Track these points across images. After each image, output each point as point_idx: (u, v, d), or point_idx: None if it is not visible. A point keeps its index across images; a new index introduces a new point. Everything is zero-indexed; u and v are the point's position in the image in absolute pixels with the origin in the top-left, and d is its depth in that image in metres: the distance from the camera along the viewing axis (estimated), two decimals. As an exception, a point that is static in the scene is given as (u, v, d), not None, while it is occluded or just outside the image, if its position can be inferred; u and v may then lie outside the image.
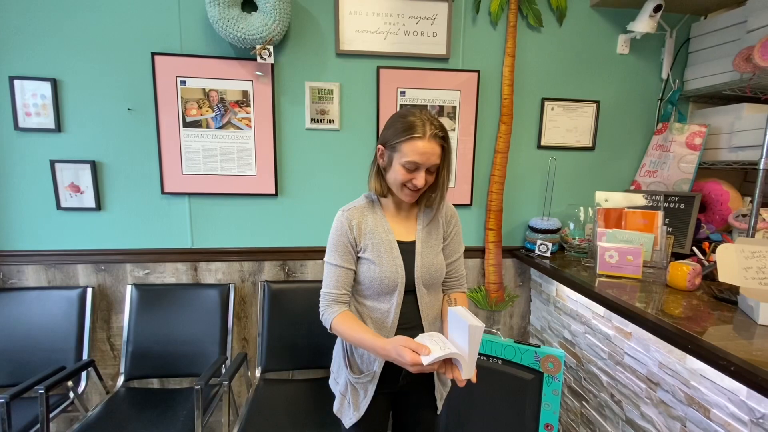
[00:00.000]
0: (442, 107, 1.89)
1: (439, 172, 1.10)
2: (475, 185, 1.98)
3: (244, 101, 1.79)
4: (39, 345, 1.73)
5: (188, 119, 1.77)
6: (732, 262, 1.29)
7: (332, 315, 1.08)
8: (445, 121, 1.87)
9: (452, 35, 1.84)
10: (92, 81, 1.71)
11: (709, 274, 1.51)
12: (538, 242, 1.88)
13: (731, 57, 1.67)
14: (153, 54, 1.71)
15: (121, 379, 1.77)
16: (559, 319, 1.88)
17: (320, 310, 1.12)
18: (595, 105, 1.98)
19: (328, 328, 1.10)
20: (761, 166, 1.51)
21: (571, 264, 1.78)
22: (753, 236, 1.55)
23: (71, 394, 1.67)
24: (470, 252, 2.01)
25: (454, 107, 1.90)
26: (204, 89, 1.76)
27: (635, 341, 1.42)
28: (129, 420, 1.55)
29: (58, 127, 1.72)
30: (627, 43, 1.95)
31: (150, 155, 1.79)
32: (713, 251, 1.53)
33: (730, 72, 1.71)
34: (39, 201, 1.77)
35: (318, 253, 1.94)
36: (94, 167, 1.76)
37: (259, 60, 1.67)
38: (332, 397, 1.23)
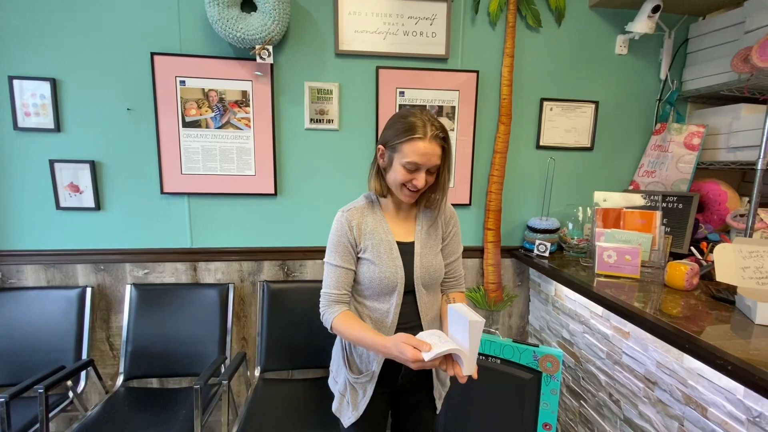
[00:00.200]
0: (441, 107, 1.90)
1: (440, 172, 1.11)
2: (474, 185, 1.99)
3: (243, 101, 1.79)
4: (38, 345, 1.73)
5: (188, 119, 1.77)
6: (730, 261, 1.29)
7: (333, 315, 1.08)
8: (444, 121, 1.87)
9: (451, 35, 1.85)
10: (92, 81, 1.71)
11: (707, 274, 1.51)
12: (537, 242, 1.89)
13: (729, 57, 1.67)
14: (152, 54, 1.71)
15: (120, 379, 1.77)
16: (558, 318, 1.88)
17: (320, 310, 1.12)
18: (593, 105, 1.99)
19: (328, 328, 1.10)
20: (759, 167, 1.52)
21: (570, 264, 1.79)
22: (751, 236, 1.55)
23: (70, 394, 1.67)
24: (469, 252, 2.01)
25: (453, 107, 1.90)
26: (203, 89, 1.76)
27: (633, 341, 1.43)
28: (128, 420, 1.55)
29: (58, 127, 1.72)
30: (625, 43, 1.95)
31: (149, 155, 1.79)
32: (711, 251, 1.54)
33: (729, 72, 1.72)
34: (38, 201, 1.77)
35: (317, 252, 1.95)
36: (94, 167, 1.76)
37: (258, 60, 1.67)
38: (331, 396, 1.23)
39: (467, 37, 1.88)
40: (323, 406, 1.58)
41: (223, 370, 1.72)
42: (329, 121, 1.86)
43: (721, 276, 1.29)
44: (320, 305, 1.12)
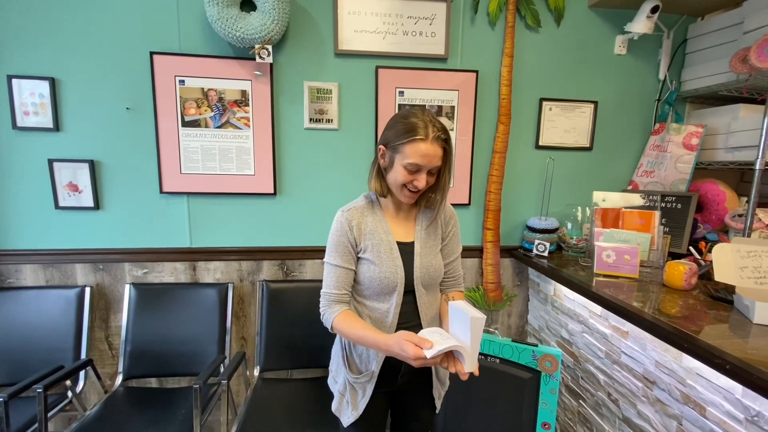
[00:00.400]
0: (440, 107, 1.90)
1: (441, 173, 1.11)
2: (473, 185, 1.99)
3: (242, 101, 1.79)
4: (37, 344, 1.73)
5: (187, 119, 1.77)
6: (728, 261, 1.30)
7: (333, 315, 1.08)
8: (443, 120, 1.87)
9: (451, 35, 1.85)
10: (91, 80, 1.71)
11: (706, 274, 1.52)
12: (536, 242, 1.89)
13: (728, 58, 1.68)
14: (152, 53, 1.71)
15: (119, 379, 1.77)
16: (557, 318, 1.89)
17: (321, 310, 1.12)
18: (592, 105, 1.99)
19: (329, 328, 1.10)
20: (757, 167, 1.53)
21: (569, 263, 1.79)
22: (749, 236, 1.56)
23: (69, 394, 1.67)
24: (468, 252, 2.01)
25: (453, 107, 1.90)
26: (203, 89, 1.76)
27: (632, 340, 1.43)
28: (127, 419, 1.55)
29: (57, 127, 1.72)
30: (624, 43, 1.95)
31: (148, 154, 1.79)
32: (709, 251, 1.54)
33: (727, 73, 1.72)
34: (37, 200, 1.77)
35: (317, 252, 1.95)
36: (93, 166, 1.76)
37: (257, 59, 1.67)
38: (331, 396, 1.23)
39: (467, 37, 1.88)
40: (323, 406, 1.58)
41: (222, 369, 1.72)
42: (329, 121, 1.86)
43: (719, 276, 1.30)
44: (320, 305, 1.12)
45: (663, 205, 1.84)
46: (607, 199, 1.87)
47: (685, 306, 1.30)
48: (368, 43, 1.81)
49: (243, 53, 1.74)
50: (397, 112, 1.86)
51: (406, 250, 1.14)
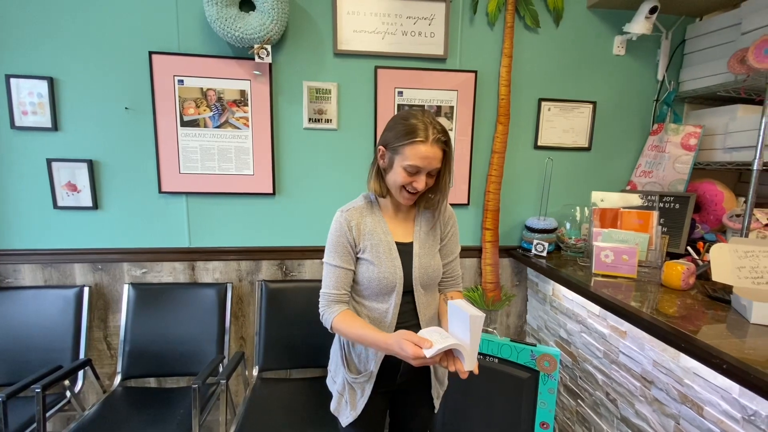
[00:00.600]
0: (439, 107, 1.90)
1: (440, 175, 1.11)
2: (472, 185, 1.99)
3: (241, 100, 1.79)
4: (35, 344, 1.73)
5: (186, 118, 1.77)
6: (726, 261, 1.30)
7: (332, 314, 1.08)
8: (442, 121, 1.88)
9: (450, 36, 1.85)
10: (89, 80, 1.71)
11: (703, 274, 1.52)
12: (535, 242, 1.89)
13: (726, 59, 1.68)
14: (150, 53, 1.71)
15: (118, 379, 1.77)
16: (555, 318, 1.89)
17: (320, 310, 1.12)
18: (591, 106, 1.99)
19: (328, 328, 1.10)
20: (755, 167, 1.53)
21: (567, 263, 1.79)
22: (747, 236, 1.57)
23: (68, 394, 1.67)
24: (467, 251, 2.02)
25: (452, 107, 1.91)
26: (202, 88, 1.76)
27: (630, 340, 1.44)
28: (126, 419, 1.55)
29: (55, 126, 1.71)
30: (623, 44, 1.96)
31: (147, 154, 1.79)
32: (707, 251, 1.55)
33: (725, 73, 1.73)
34: (35, 200, 1.76)
35: (316, 252, 1.95)
36: (91, 166, 1.76)
37: (257, 59, 1.67)
38: (330, 396, 1.23)
39: (466, 37, 1.88)
40: (321, 406, 1.58)
41: (221, 369, 1.72)
42: (328, 121, 1.86)
43: (717, 276, 1.30)
44: (319, 305, 1.12)
45: (661, 205, 1.84)
46: (606, 199, 1.87)
47: (682, 306, 1.30)
48: (367, 43, 1.81)
49: (242, 53, 1.74)
50: (396, 112, 1.87)
51: (405, 250, 1.14)
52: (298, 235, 1.94)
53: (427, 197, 1.16)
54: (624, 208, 1.78)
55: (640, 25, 1.80)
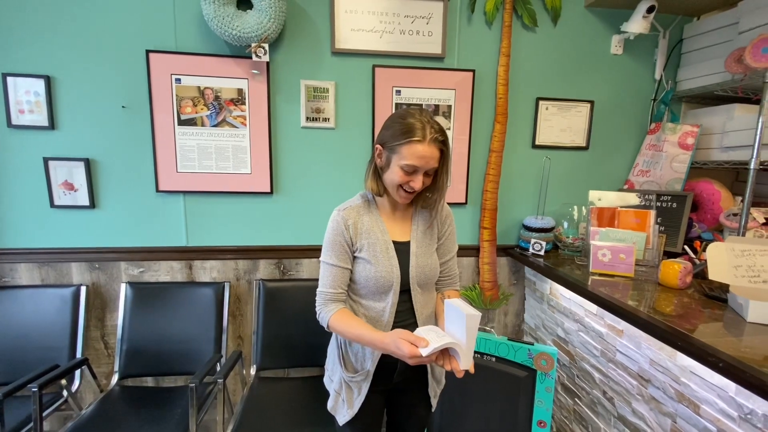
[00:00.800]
0: (437, 106, 1.90)
1: (438, 174, 1.11)
2: (470, 184, 1.99)
3: (239, 99, 1.78)
4: (32, 343, 1.72)
5: (183, 117, 1.77)
6: (722, 260, 1.31)
7: (329, 313, 1.08)
8: (440, 120, 1.87)
9: (447, 34, 1.85)
10: (86, 78, 1.70)
11: (700, 273, 1.52)
12: (533, 241, 1.90)
13: (723, 58, 1.68)
14: (148, 51, 1.70)
15: (115, 378, 1.77)
16: (553, 317, 1.89)
17: (317, 309, 1.12)
18: (589, 105, 2.00)
19: (325, 326, 1.10)
20: (752, 166, 1.54)
21: (565, 262, 1.80)
22: (744, 235, 1.57)
23: (65, 393, 1.66)
24: (465, 250, 2.02)
25: (450, 106, 1.90)
26: (199, 87, 1.75)
27: (627, 339, 1.44)
28: (123, 418, 1.55)
29: (52, 125, 1.71)
30: (621, 43, 1.96)
31: (144, 153, 1.78)
32: (704, 250, 1.55)
33: (722, 73, 1.73)
34: (32, 199, 1.76)
35: (313, 251, 1.95)
36: (88, 165, 1.75)
37: (254, 58, 1.66)
38: (327, 394, 1.23)
39: (463, 36, 1.88)
40: (319, 405, 1.58)
41: (218, 368, 1.71)
42: (325, 120, 1.86)
43: (713, 274, 1.31)
44: (316, 304, 1.12)
45: (658, 204, 1.85)
46: (603, 198, 1.87)
47: (679, 304, 1.30)
48: (365, 41, 1.81)
49: (239, 52, 1.73)
50: (394, 111, 1.86)
51: (402, 249, 1.14)
52: (295, 234, 1.94)
53: (424, 196, 1.16)
54: (621, 207, 1.78)
55: (637, 25, 1.80)
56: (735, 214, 1.67)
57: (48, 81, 1.68)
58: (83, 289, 1.78)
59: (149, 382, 1.94)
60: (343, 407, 1.16)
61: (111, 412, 1.57)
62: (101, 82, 1.71)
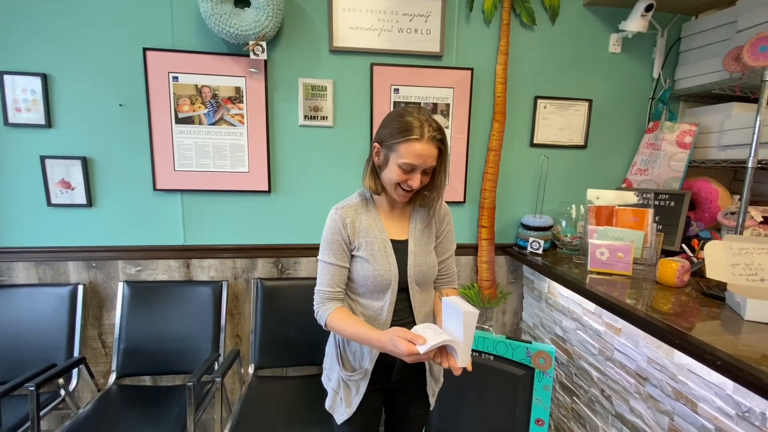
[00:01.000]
0: (435, 105, 1.90)
1: (436, 173, 1.10)
2: (468, 183, 1.99)
3: (237, 97, 1.78)
4: (29, 342, 1.72)
5: (180, 115, 1.76)
6: (720, 259, 1.31)
7: (327, 312, 1.08)
8: (438, 118, 1.87)
9: (446, 33, 1.85)
10: (83, 76, 1.70)
11: (698, 271, 1.53)
12: (531, 239, 1.90)
13: (721, 56, 1.68)
14: (145, 49, 1.69)
15: (112, 377, 1.76)
16: (551, 315, 1.90)
17: (314, 307, 1.12)
18: (587, 103, 2.00)
19: (323, 325, 1.10)
20: (750, 165, 1.54)
21: (563, 261, 1.80)
22: (741, 233, 1.57)
23: (62, 392, 1.66)
24: (463, 249, 2.02)
25: (448, 105, 1.90)
26: (196, 85, 1.75)
27: (625, 337, 1.44)
28: (121, 417, 1.54)
29: (49, 123, 1.70)
30: (619, 42, 1.96)
31: (142, 151, 1.78)
32: (702, 248, 1.55)
33: (720, 71, 1.73)
34: (29, 197, 1.75)
35: (311, 250, 1.94)
36: (85, 163, 1.74)
37: (252, 56, 1.66)
38: (325, 393, 1.23)
39: (462, 35, 1.88)
40: (317, 403, 1.57)
41: (216, 367, 1.71)
42: (323, 118, 1.85)
43: (711, 273, 1.31)
44: (314, 303, 1.12)
45: (656, 202, 1.85)
46: (601, 196, 1.87)
47: (677, 303, 1.31)
48: (363, 40, 1.81)
49: (237, 50, 1.73)
50: (392, 109, 1.86)
51: (400, 248, 1.14)
52: (293, 232, 1.94)
53: (422, 195, 1.16)
54: (619, 205, 1.78)
55: (635, 23, 1.80)
56: (732, 213, 1.67)
57: (45, 79, 1.67)
58: (80, 288, 1.78)
59: (147, 381, 1.94)
60: (341, 406, 1.16)
61: (108, 412, 1.57)
62: (98, 80, 1.71)
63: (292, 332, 1.83)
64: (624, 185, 2.04)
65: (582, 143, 2.03)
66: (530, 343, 1.63)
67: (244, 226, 1.90)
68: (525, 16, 1.87)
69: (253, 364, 1.82)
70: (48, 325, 1.74)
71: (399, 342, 0.92)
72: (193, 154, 1.79)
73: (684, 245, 1.69)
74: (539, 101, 1.97)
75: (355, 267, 1.12)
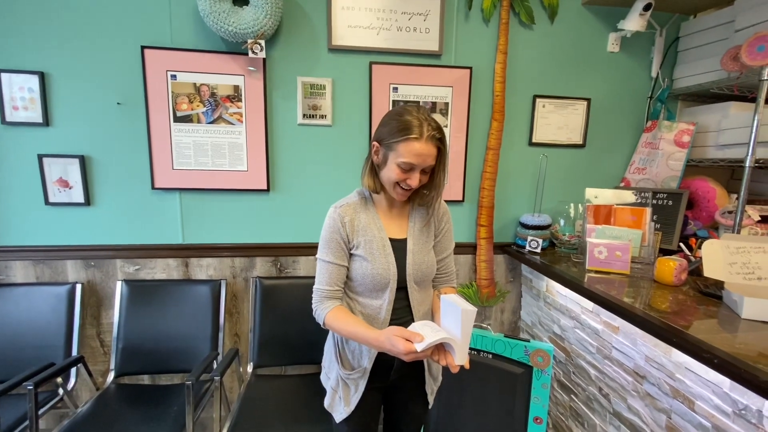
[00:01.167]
0: (434, 103, 1.90)
1: (435, 172, 1.10)
2: (467, 181, 1.99)
3: (235, 96, 1.77)
4: (27, 341, 1.71)
5: (179, 114, 1.76)
6: (717, 257, 1.31)
7: (325, 311, 1.08)
8: (437, 117, 1.87)
9: (445, 31, 1.85)
10: (81, 74, 1.69)
11: (696, 270, 1.53)
12: (529, 238, 1.90)
13: (719, 56, 1.69)
14: (143, 47, 1.69)
15: (111, 376, 1.76)
16: (549, 314, 1.90)
17: (313, 306, 1.12)
18: (585, 102, 2.00)
19: (321, 323, 1.10)
20: (747, 164, 1.54)
21: (561, 260, 1.80)
22: (738, 232, 1.58)
23: (60, 391, 1.66)
24: (462, 248, 2.02)
25: (447, 104, 1.90)
26: (195, 84, 1.74)
27: (623, 335, 1.45)
28: (119, 416, 1.54)
29: (46, 121, 1.70)
30: (617, 41, 1.96)
31: (140, 150, 1.77)
32: (700, 247, 1.56)
33: (718, 71, 1.73)
34: (27, 196, 1.75)
35: (310, 249, 1.94)
36: (83, 162, 1.74)
37: (250, 54, 1.65)
38: (324, 392, 1.23)
39: (461, 34, 1.88)
40: (316, 402, 1.57)
41: (215, 366, 1.71)
42: (322, 117, 1.85)
43: (708, 271, 1.31)
44: (313, 301, 1.12)
45: (654, 201, 1.85)
46: (600, 195, 1.88)
47: (675, 301, 1.31)
48: (362, 38, 1.80)
49: (236, 48, 1.72)
50: (391, 108, 1.86)
51: (399, 246, 1.14)
52: (292, 231, 1.94)
53: (421, 194, 1.16)
54: (617, 204, 1.79)
55: (634, 22, 1.80)
56: (730, 212, 1.68)
57: (42, 77, 1.66)
58: (78, 287, 1.77)
59: (145, 380, 1.94)
60: (340, 404, 1.16)
61: (107, 410, 1.57)
62: (96, 79, 1.70)
63: (290, 331, 1.84)
64: (622, 184, 2.05)
65: (580, 142, 2.04)
66: (528, 341, 1.64)
67: (243, 224, 1.90)
68: (524, 15, 1.87)
69: (251, 363, 1.82)
70: (46, 324, 1.73)
71: (396, 341, 0.92)
72: (191, 152, 1.79)
73: (682, 244, 1.69)
74: (538, 100, 1.97)
75: (354, 266, 1.12)
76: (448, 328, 0.96)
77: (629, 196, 1.87)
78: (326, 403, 1.21)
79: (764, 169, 1.71)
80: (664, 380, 1.27)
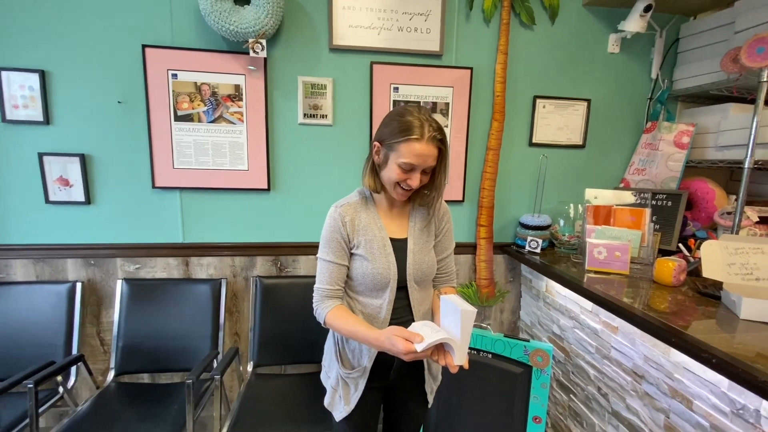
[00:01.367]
0: (435, 104, 1.90)
1: (436, 173, 1.11)
2: (467, 182, 2.00)
3: (236, 95, 1.78)
4: (27, 340, 1.71)
5: (179, 113, 1.76)
6: (716, 258, 1.32)
7: (326, 310, 1.09)
8: (438, 117, 1.87)
9: (445, 32, 1.85)
10: (81, 73, 1.69)
11: (694, 270, 1.54)
12: (529, 238, 1.91)
13: (719, 57, 1.69)
14: (144, 46, 1.69)
15: (111, 374, 1.76)
16: (549, 314, 1.91)
17: (314, 305, 1.12)
18: (586, 103, 2.00)
19: (322, 323, 1.10)
20: (746, 165, 1.55)
21: (561, 260, 1.81)
22: (737, 233, 1.59)
23: (60, 389, 1.66)
24: (462, 248, 2.02)
25: (447, 104, 1.91)
26: (196, 83, 1.75)
27: (622, 335, 1.45)
28: (119, 415, 1.54)
29: (47, 120, 1.70)
30: (618, 42, 1.97)
31: (140, 149, 1.77)
32: (699, 248, 1.56)
33: (718, 72, 1.74)
34: (27, 194, 1.75)
35: (311, 248, 1.95)
36: (83, 160, 1.74)
37: (251, 54, 1.66)
38: (324, 391, 1.24)
39: (461, 34, 1.88)
40: (316, 401, 1.58)
41: (215, 365, 1.71)
42: (323, 116, 1.85)
43: (707, 272, 1.32)
44: (313, 301, 1.13)
45: (654, 202, 1.86)
46: (599, 196, 1.88)
47: (673, 302, 1.32)
48: (363, 38, 1.81)
49: (236, 47, 1.72)
50: (392, 108, 1.86)
51: (400, 246, 1.14)
52: (292, 230, 1.94)
53: (422, 194, 1.16)
54: (617, 205, 1.79)
55: (634, 24, 1.81)
56: (729, 213, 1.68)
57: (42, 75, 1.66)
58: (79, 286, 1.78)
59: (145, 378, 1.94)
60: (340, 403, 1.17)
61: (107, 409, 1.57)
62: (96, 77, 1.70)
63: (290, 330, 1.84)
64: (622, 185, 2.05)
65: (580, 143, 2.04)
66: (528, 341, 1.64)
67: (243, 224, 1.90)
68: (524, 16, 1.88)
69: (252, 362, 1.82)
70: (46, 323, 1.73)
71: (396, 341, 0.92)
72: (192, 151, 1.79)
73: (681, 245, 1.70)
74: (538, 101, 1.98)
75: (355, 265, 1.12)
76: (447, 328, 0.96)
77: (629, 197, 1.88)
78: (326, 402, 1.22)
79: (763, 170, 1.71)
80: (662, 380, 1.28)
